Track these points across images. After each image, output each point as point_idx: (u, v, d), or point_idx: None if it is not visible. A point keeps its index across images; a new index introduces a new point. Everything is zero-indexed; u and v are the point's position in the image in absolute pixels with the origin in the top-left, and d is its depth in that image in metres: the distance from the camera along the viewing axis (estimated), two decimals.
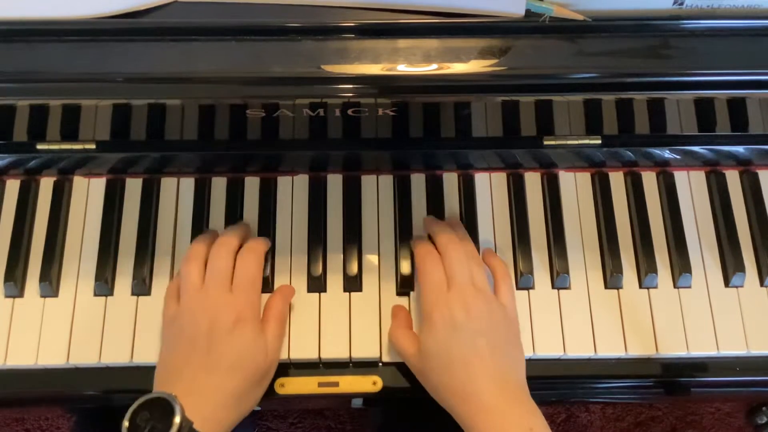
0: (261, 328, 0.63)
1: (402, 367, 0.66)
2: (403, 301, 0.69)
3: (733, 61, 0.58)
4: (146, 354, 0.66)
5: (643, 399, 0.80)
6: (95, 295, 0.68)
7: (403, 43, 0.57)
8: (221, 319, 0.60)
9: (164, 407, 0.53)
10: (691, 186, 0.74)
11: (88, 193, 0.72)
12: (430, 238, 0.67)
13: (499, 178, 0.73)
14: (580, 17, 0.56)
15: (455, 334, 0.59)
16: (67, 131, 0.67)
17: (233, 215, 0.71)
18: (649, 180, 0.74)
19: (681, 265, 0.69)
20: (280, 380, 0.66)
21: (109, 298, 0.68)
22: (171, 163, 0.72)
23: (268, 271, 0.68)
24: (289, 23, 0.57)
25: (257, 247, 0.66)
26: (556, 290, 0.69)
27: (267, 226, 0.71)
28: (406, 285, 0.69)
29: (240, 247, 0.66)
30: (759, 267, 0.70)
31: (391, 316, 0.67)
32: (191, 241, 0.70)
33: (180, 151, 0.70)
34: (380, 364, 0.67)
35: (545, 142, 0.69)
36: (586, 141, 0.70)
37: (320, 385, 0.66)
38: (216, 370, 0.58)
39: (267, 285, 0.68)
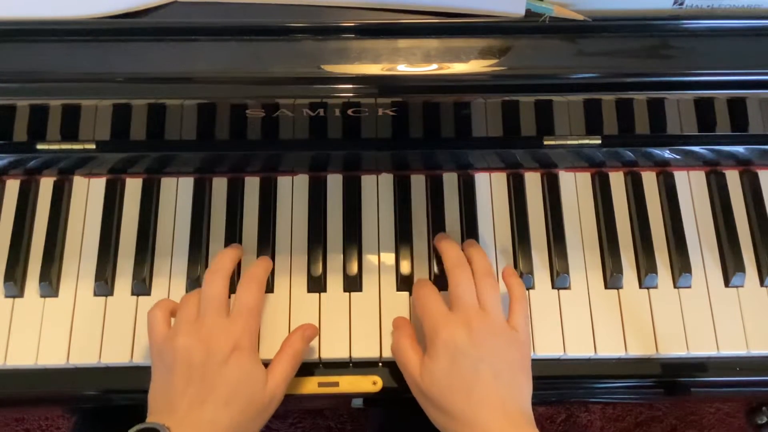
0: (259, 359, 0.61)
1: None
2: (403, 295, 0.68)
3: (733, 61, 0.58)
4: (146, 354, 0.66)
5: (643, 399, 0.80)
6: (95, 295, 0.68)
7: (403, 43, 0.57)
8: (217, 347, 0.58)
9: None
10: (691, 186, 0.74)
11: (88, 193, 0.72)
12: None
13: (499, 178, 0.74)
14: (580, 17, 0.56)
15: (457, 360, 0.58)
16: (67, 131, 0.67)
17: (233, 215, 0.71)
18: (649, 180, 0.74)
19: (681, 265, 0.69)
20: None
21: (109, 298, 0.68)
22: (171, 163, 0.72)
23: None
24: (289, 23, 0.57)
25: (259, 273, 0.64)
26: (556, 290, 0.69)
27: (267, 226, 0.71)
28: (405, 285, 0.69)
29: (234, 269, 0.65)
30: (759, 267, 0.70)
31: (393, 327, 0.66)
32: (191, 241, 0.70)
33: (180, 151, 0.70)
34: (380, 364, 0.67)
35: (545, 142, 0.69)
36: (586, 141, 0.70)
37: (320, 385, 0.66)
38: (211, 403, 0.57)
39: (267, 285, 0.68)
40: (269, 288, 0.68)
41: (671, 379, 0.68)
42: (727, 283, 0.70)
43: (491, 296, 0.62)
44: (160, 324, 0.61)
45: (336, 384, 0.66)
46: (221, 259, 0.64)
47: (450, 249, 0.65)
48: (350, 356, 0.66)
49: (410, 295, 0.69)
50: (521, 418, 0.58)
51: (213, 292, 0.61)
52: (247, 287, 0.63)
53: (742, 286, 0.70)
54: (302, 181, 0.73)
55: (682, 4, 0.56)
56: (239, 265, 0.69)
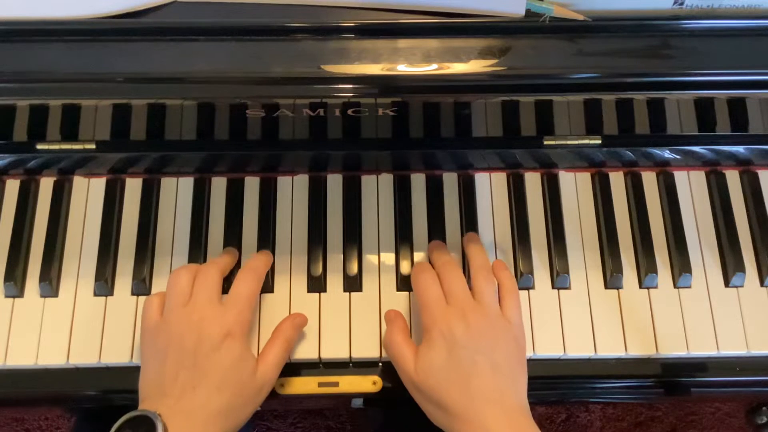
0: (250, 347, 0.61)
1: None
2: (403, 295, 0.69)
3: (733, 61, 0.58)
4: None
5: (643, 399, 0.80)
6: (95, 295, 0.68)
7: (403, 43, 0.57)
8: (209, 333, 0.58)
9: (148, 425, 0.53)
10: (691, 186, 0.74)
11: (88, 193, 0.72)
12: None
13: (499, 178, 0.74)
14: (580, 17, 0.56)
15: (455, 351, 0.58)
16: (67, 131, 0.67)
17: (233, 215, 0.71)
18: (649, 180, 0.74)
19: (681, 265, 0.69)
20: (280, 380, 0.66)
21: (109, 298, 0.68)
22: (171, 163, 0.72)
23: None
24: (289, 23, 0.57)
25: (258, 266, 0.65)
26: (556, 290, 0.69)
27: (267, 226, 0.71)
28: (405, 285, 0.69)
29: (229, 269, 0.66)
30: (759, 267, 0.70)
31: (385, 320, 0.65)
32: (191, 241, 0.70)
33: (180, 151, 0.70)
34: (380, 364, 0.67)
35: (545, 142, 0.69)
36: (586, 141, 0.70)
37: (320, 385, 0.66)
38: (202, 388, 0.57)
39: (267, 285, 0.68)
40: (269, 288, 0.68)
41: (671, 379, 0.68)
42: (727, 283, 0.70)
43: (486, 290, 0.62)
44: (155, 310, 0.62)
45: (336, 384, 0.66)
46: (220, 257, 0.66)
47: (440, 254, 0.66)
48: (350, 356, 0.66)
49: (410, 294, 0.69)
50: (519, 411, 0.58)
51: (207, 277, 0.62)
52: (245, 278, 0.63)
53: (742, 286, 0.70)
54: (302, 181, 0.73)
55: (682, 4, 0.56)
56: (239, 261, 0.69)
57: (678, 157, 0.72)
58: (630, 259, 0.71)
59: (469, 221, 0.71)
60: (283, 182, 0.73)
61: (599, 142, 0.70)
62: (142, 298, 0.68)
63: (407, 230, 0.71)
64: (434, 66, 0.56)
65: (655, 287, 0.69)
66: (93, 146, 0.69)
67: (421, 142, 0.69)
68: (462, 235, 0.71)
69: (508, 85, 0.58)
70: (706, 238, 0.72)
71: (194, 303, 0.60)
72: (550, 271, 0.70)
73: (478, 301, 0.61)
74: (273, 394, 0.65)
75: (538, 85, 0.59)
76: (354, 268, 0.69)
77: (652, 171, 0.74)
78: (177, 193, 0.72)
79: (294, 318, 0.66)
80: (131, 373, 0.66)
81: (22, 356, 0.66)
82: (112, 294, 0.69)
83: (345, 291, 0.69)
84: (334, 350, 0.66)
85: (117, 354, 0.66)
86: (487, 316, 0.60)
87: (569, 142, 0.70)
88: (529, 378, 0.61)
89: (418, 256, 0.70)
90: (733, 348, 0.67)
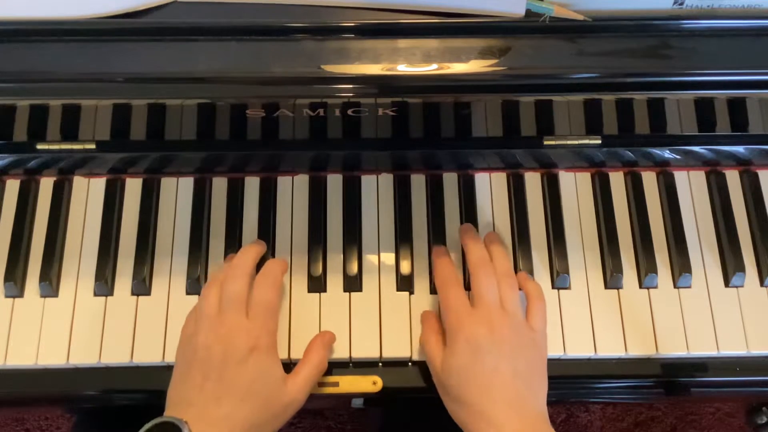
0: (278, 358, 0.61)
1: (402, 367, 0.66)
2: (403, 295, 0.68)
3: (733, 61, 0.58)
4: (146, 354, 0.66)
5: (643, 399, 0.80)
6: (95, 295, 0.68)
7: (403, 43, 0.57)
8: (235, 346, 0.59)
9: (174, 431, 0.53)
10: (691, 186, 0.74)
11: (88, 193, 0.72)
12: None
13: (499, 178, 0.73)
14: (580, 17, 0.56)
15: (478, 356, 0.59)
16: (67, 131, 0.67)
17: (233, 215, 0.71)
18: (649, 180, 0.74)
19: (681, 265, 0.69)
20: None
21: (109, 298, 0.68)
22: (171, 163, 0.72)
23: None
24: (289, 23, 0.57)
25: (275, 271, 0.65)
26: (556, 290, 0.69)
27: (267, 226, 0.71)
28: (405, 285, 0.69)
29: (257, 263, 0.65)
30: (759, 267, 0.70)
31: (421, 320, 0.66)
32: (191, 241, 0.70)
33: (180, 151, 0.70)
34: (380, 364, 0.67)
35: (545, 142, 0.69)
36: (586, 141, 0.70)
37: (320, 385, 0.66)
38: (228, 400, 0.57)
39: None
40: None
41: (671, 379, 0.68)
42: (727, 283, 0.70)
43: (512, 297, 0.63)
44: (191, 318, 0.63)
45: (336, 384, 0.66)
46: (244, 256, 0.64)
47: (475, 247, 0.66)
48: (350, 356, 0.66)
49: (410, 294, 0.69)
50: (537, 417, 0.58)
51: (233, 289, 0.61)
52: (265, 286, 0.63)
53: (742, 286, 0.70)
54: (302, 181, 0.73)
55: (682, 4, 0.56)
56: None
57: (678, 157, 0.72)
58: (630, 259, 0.71)
59: (469, 221, 0.71)
60: (283, 182, 0.73)
61: (599, 142, 0.70)
62: (142, 298, 0.68)
63: (407, 230, 0.71)
64: (434, 66, 0.56)
65: (655, 287, 0.69)
66: (93, 146, 0.69)
67: (421, 142, 0.69)
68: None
69: (508, 85, 0.58)
70: (706, 238, 0.72)
71: (223, 314, 0.60)
72: (550, 271, 0.70)
73: (504, 308, 0.62)
74: None
75: (538, 85, 0.59)
76: (354, 268, 0.69)
77: (652, 171, 0.74)
78: (177, 193, 0.72)
79: (323, 336, 0.66)
80: (131, 373, 0.66)
81: (22, 356, 0.66)
82: (112, 294, 0.69)
83: (345, 291, 0.69)
84: (334, 350, 0.66)
85: (117, 354, 0.66)
86: (512, 324, 0.61)
87: (569, 142, 0.70)
88: None
89: (418, 256, 0.70)
90: (733, 348, 0.67)
